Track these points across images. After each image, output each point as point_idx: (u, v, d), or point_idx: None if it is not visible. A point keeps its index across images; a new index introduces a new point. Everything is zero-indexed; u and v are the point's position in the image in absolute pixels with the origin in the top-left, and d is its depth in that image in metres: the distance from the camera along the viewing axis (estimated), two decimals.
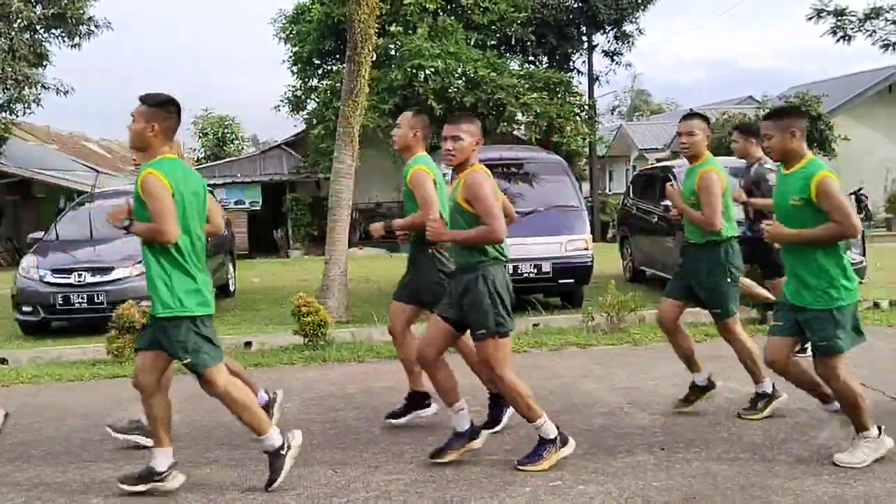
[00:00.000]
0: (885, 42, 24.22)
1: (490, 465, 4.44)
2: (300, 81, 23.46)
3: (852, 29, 23.93)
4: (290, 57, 23.22)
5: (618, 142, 34.50)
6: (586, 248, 10.08)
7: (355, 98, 9.73)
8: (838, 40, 24.23)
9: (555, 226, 10.04)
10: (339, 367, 7.30)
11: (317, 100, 22.38)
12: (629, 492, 3.99)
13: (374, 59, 20.52)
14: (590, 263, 10.08)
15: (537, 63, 24.50)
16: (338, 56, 21.93)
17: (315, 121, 21.38)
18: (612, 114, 61.13)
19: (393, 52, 20.70)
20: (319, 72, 23.39)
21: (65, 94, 21.90)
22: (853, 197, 23.53)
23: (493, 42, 21.99)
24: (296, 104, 23.35)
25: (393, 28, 19.69)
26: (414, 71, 18.99)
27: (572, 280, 10.03)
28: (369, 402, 5.89)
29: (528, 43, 22.93)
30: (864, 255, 9.63)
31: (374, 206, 24.34)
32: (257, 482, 4.25)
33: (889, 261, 12.87)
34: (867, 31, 24.04)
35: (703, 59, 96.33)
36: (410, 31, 20.15)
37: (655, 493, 3.97)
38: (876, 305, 9.01)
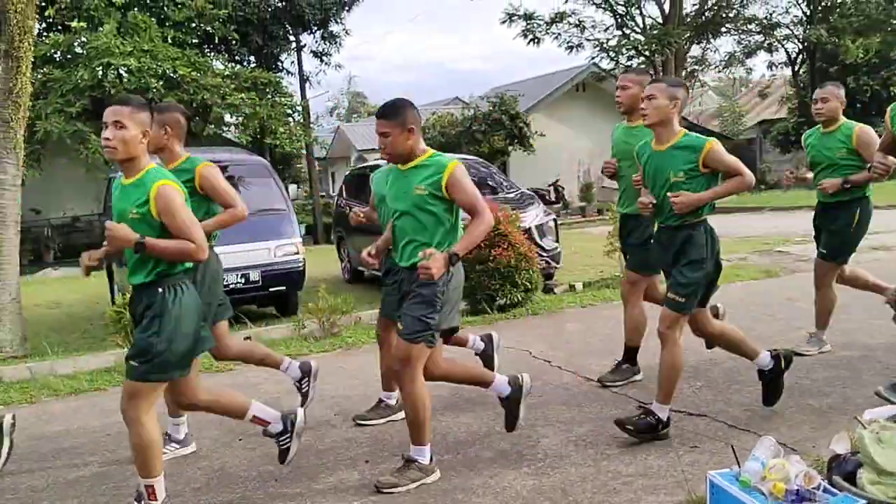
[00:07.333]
0: (570, 44, 26.54)
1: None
2: None
3: (540, 32, 25.94)
4: None
5: (337, 143, 34.48)
6: (297, 253, 9.68)
7: (16, 99, 8.44)
8: (529, 42, 26.16)
9: (262, 231, 9.50)
10: (8, 411, 6.20)
11: None
12: None
13: (58, 57, 18.47)
14: (301, 268, 9.70)
15: (244, 63, 23.64)
16: None
17: None
18: (332, 115, 61.29)
19: (79, 51, 18.74)
20: None
21: None
22: (551, 188, 25.44)
23: (194, 40, 20.74)
24: None
25: (75, 24, 17.75)
26: (103, 70, 17.30)
27: (284, 287, 9.58)
28: (39, 450, 5.01)
29: (233, 41, 22.00)
30: (558, 241, 10.16)
31: (70, 221, 22.11)
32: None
33: (583, 245, 13.88)
34: (553, 33, 26.21)
35: (413, 62, 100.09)
36: (98, 27, 18.35)
37: None
38: (571, 288, 9.55)
